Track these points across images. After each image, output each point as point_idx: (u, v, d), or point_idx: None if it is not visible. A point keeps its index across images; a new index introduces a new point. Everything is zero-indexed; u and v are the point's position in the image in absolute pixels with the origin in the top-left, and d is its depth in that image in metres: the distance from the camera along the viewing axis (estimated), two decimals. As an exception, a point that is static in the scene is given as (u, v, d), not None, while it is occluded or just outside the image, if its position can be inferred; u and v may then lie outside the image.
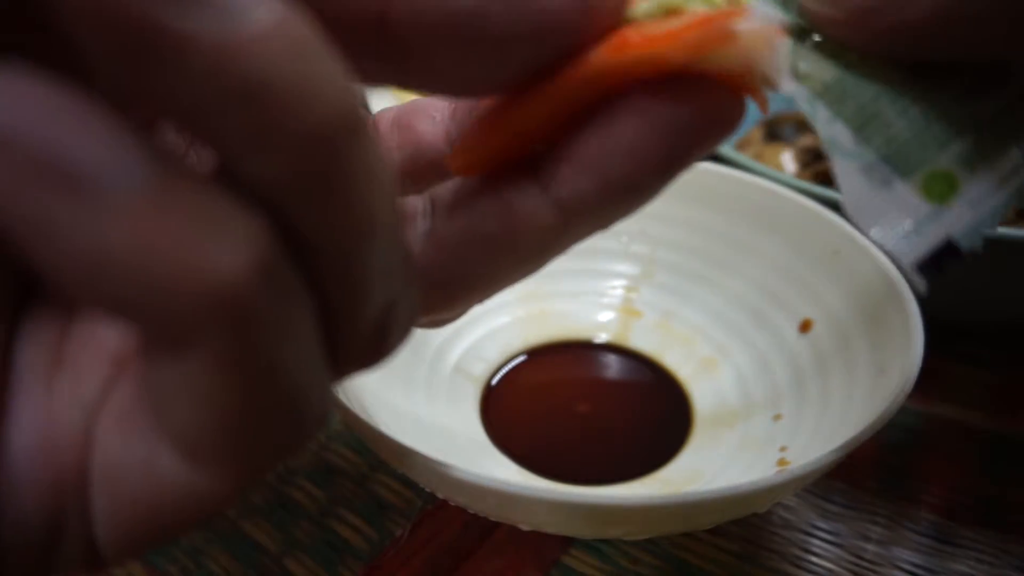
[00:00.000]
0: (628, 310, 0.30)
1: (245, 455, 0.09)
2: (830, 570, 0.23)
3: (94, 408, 0.10)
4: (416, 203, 0.13)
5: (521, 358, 0.29)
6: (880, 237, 0.14)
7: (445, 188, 0.13)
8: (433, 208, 0.12)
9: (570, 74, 0.10)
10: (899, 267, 0.23)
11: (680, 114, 0.10)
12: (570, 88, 0.10)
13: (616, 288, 0.31)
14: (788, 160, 0.36)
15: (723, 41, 0.10)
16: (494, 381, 0.28)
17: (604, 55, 0.10)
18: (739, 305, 0.28)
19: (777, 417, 0.24)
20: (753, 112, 0.11)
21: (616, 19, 0.10)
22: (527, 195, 0.11)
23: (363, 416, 0.17)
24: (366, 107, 0.13)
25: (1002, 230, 0.25)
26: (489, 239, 0.12)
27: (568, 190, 0.11)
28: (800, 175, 0.35)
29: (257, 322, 0.08)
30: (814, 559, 0.23)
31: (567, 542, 0.24)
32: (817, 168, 0.35)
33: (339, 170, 0.08)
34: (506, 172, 0.12)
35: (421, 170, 0.16)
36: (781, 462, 0.21)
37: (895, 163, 0.14)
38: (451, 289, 0.13)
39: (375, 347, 0.11)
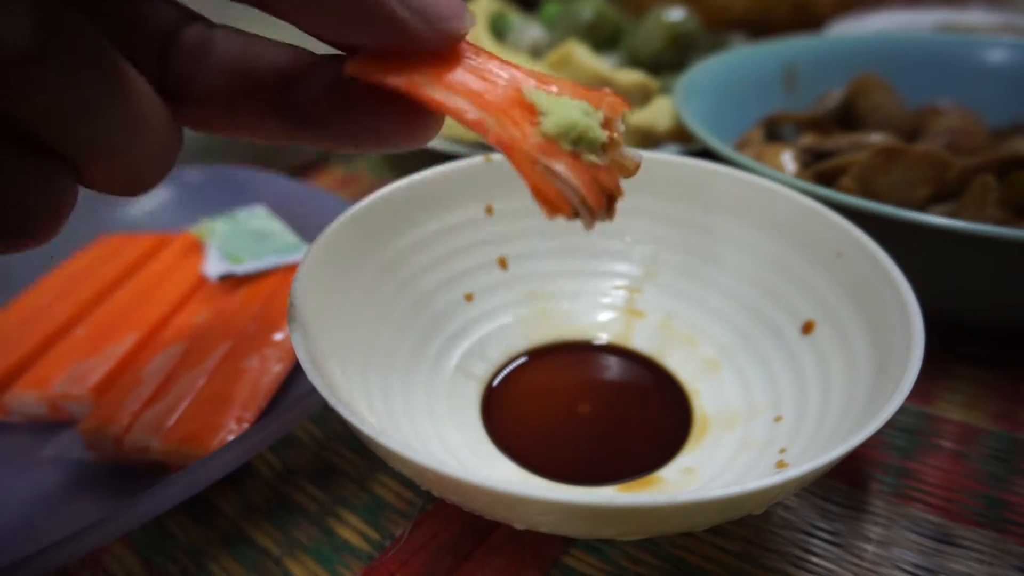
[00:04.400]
0: (631, 311, 0.30)
1: None
2: (830, 570, 0.23)
3: None
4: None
5: (523, 358, 0.29)
6: None
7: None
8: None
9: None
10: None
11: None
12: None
13: (619, 289, 0.31)
14: (788, 160, 0.36)
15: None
16: (495, 381, 0.28)
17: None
18: (742, 306, 0.28)
19: (778, 419, 0.24)
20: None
21: (453, 41, 0.16)
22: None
23: (355, 419, 0.17)
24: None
25: (1002, 230, 0.25)
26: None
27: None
28: (800, 175, 0.35)
29: None
30: (814, 559, 0.23)
31: (567, 542, 0.24)
32: (817, 168, 0.35)
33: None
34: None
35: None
36: (780, 464, 0.21)
37: None
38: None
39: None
